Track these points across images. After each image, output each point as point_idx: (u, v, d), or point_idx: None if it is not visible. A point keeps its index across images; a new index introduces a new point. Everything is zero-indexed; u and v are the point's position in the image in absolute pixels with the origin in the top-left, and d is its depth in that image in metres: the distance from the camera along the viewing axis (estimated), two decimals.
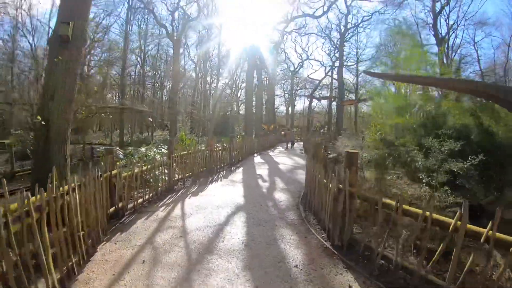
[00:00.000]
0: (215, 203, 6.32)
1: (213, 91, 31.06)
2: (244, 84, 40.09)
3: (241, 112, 42.70)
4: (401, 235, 3.29)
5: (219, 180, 9.04)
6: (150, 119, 24.80)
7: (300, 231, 4.71)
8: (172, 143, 8.20)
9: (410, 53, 7.36)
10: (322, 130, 41.15)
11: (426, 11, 26.92)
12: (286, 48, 41.60)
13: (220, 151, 10.90)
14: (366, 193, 3.78)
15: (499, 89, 4.68)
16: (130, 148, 9.39)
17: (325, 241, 4.28)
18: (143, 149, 9.19)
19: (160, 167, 7.06)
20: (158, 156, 8.74)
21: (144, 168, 6.29)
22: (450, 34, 27.17)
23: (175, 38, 30.31)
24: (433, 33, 24.96)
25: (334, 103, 36.93)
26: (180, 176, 8.16)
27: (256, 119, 23.81)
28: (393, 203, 3.16)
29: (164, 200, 6.49)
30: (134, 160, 8.67)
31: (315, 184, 5.29)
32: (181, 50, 37.30)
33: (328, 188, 4.39)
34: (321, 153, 6.68)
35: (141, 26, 37.19)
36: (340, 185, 3.88)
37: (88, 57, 29.35)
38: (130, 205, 5.56)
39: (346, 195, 3.75)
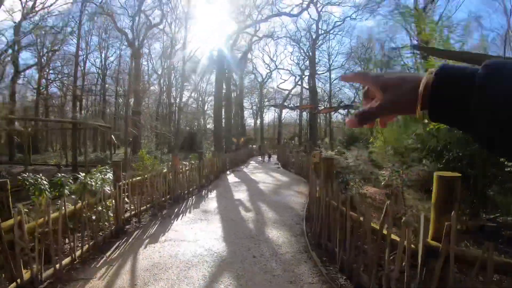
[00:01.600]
0: (184, 256, 4.08)
1: (178, 105, 28.39)
2: (210, 98, 37.74)
3: (208, 126, 40.14)
4: None
5: (188, 211, 6.70)
6: (112, 136, 21.69)
7: None
8: (118, 167, 5.79)
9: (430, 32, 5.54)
10: (293, 141, 39.70)
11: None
12: (253, 58, 40.11)
13: (187, 172, 8.51)
14: None
15: None
16: (59, 175, 6.72)
17: None
18: (82, 175, 6.66)
19: (100, 203, 4.65)
20: (99, 183, 6.24)
21: (72, 207, 3.93)
22: None
23: (136, 46, 27.54)
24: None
25: (304, 113, 35.74)
26: (134, 211, 5.79)
27: (225, 132, 21.65)
28: None
29: (108, 254, 4.16)
30: (66, 192, 6.12)
31: (360, 232, 3.11)
32: (144, 62, 34.49)
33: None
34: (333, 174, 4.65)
35: (101, 36, 34.26)
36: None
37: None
38: (48, 272, 3.30)
39: None
